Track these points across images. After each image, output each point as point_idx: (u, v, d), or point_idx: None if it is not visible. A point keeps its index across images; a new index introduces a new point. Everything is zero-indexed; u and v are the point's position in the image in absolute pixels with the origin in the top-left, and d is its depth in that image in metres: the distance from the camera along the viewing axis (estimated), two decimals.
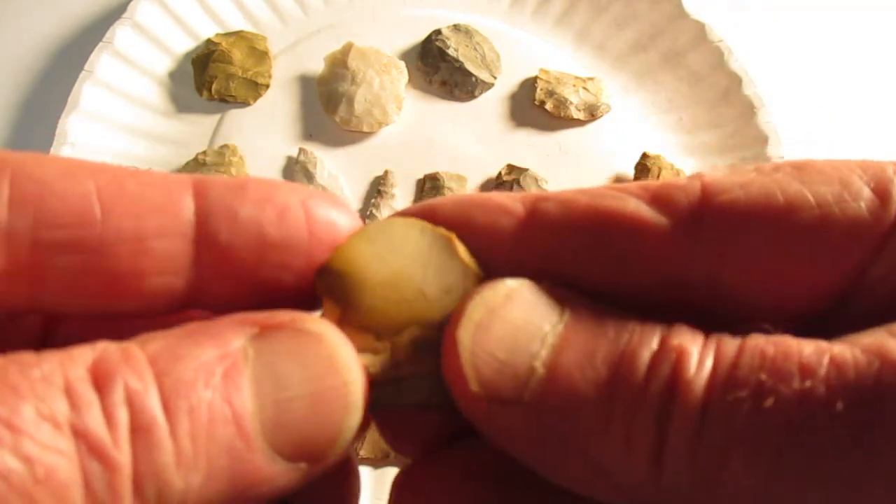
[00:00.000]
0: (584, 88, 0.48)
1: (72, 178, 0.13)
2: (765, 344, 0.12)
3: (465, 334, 0.14)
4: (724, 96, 0.48)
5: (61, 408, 0.11)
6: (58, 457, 0.11)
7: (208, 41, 0.48)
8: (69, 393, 0.11)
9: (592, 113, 0.48)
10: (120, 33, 0.46)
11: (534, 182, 0.45)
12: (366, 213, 0.45)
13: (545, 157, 0.47)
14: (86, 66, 0.45)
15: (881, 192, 0.13)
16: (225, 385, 0.12)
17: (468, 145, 0.47)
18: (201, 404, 0.12)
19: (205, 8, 0.49)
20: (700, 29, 0.49)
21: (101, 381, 0.12)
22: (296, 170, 0.45)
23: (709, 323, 0.14)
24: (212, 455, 0.12)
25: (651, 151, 0.46)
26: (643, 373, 0.12)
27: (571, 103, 0.47)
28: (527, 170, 0.45)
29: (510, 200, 0.15)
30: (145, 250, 0.14)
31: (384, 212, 0.45)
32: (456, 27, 0.49)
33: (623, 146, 0.48)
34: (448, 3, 0.51)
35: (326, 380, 0.13)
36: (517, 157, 0.46)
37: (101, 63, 0.46)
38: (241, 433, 0.12)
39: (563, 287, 0.14)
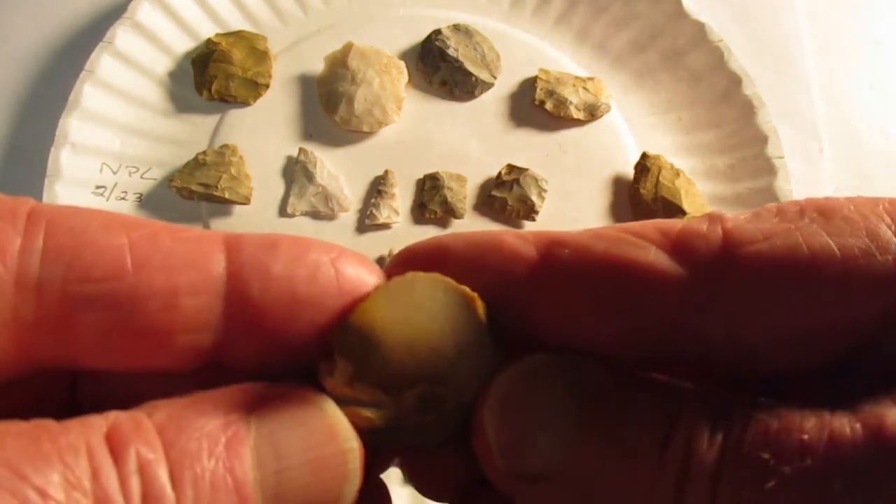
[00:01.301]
0: (584, 88, 0.48)
1: (106, 231, 0.13)
2: (769, 419, 0.12)
3: (491, 413, 0.14)
4: (723, 96, 0.48)
5: (85, 476, 0.12)
6: None
7: (208, 41, 0.48)
8: (91, 461, 0.12)
9: (592, 113, 0.48)
10: (120, 33, 0.46)
11: (534, 182, 0.45)
12: (366, 212, 0.45)
13: (545, 157, 0.47)
14: (86, 66, 0.45)
15: None
16: (228, 455, 0.13)
17: (468, 145, 0.47)
18: (205, 474, 0.12)
19: (205, 8, 0.49)
20: (700, 29, 0.49)
21: (116, 450, 0.12)
22: (296, 170, 0.45)
23: (721, 373, 0.14)
24: None
25: (651, 151, 0.46)
26: (659, 449, 0.13)
27: (571, 103, 0.47)
28: (527, 170, 0.45)
29: (523, 244, 0.15)
30: (176, 307, 0.14)
31: (384, 212, 0.45)
32: (456, 27, 0.49)
33: (623, 146, 0.48)
34: (448, 3, 0.51)
35: (325, 449, 0.14)
36: (517, 157, 0.46)
37: (101, 63, 0.46)
38: (243, 502, 0.13)
39: (586, 359, 0.14)
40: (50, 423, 0.12)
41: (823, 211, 0.13)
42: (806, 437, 0.12)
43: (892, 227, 0.13)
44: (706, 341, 0.14)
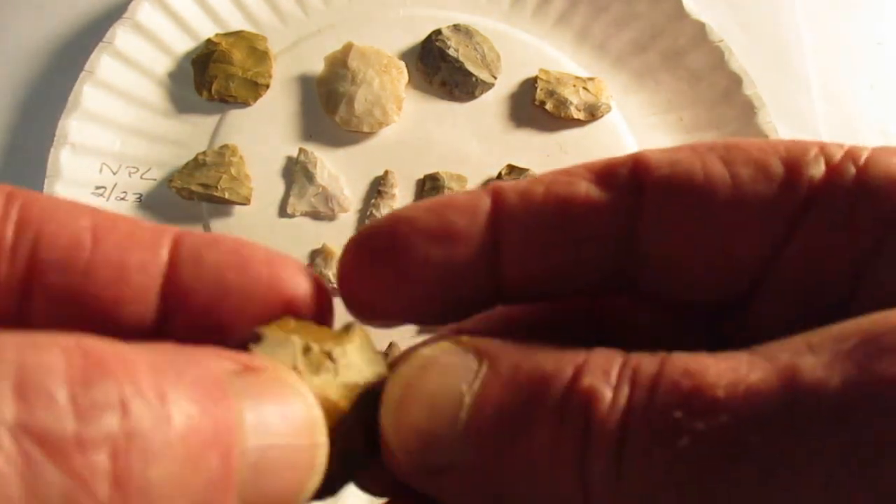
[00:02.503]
0: (584, 88, 0.48)
1: (72, 212, 0.15)
2: (680, 376, 0.12)
3: (388, 415, 0.14)
4: (724, 96, 0.48)
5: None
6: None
7: (208, 41, 0.48)
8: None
9: (592, 113, 0.48)
10: (120, 33, 0.46)
11: None
12: (366, 213, 0.45)
13: (545, 157, 0.47)
14: (86, 66, 0.45)
15: (793, 174, 0.14)
16: (217, 406, 0.12)
17: (468, 145, 0.47)
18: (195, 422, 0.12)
19: (205, 8, 0.49)
20: (700, 29, 0.49)
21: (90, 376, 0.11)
22: (296, 170, 0.45)
23: (655, 302, 0.16)
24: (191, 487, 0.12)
25: None
26: (557, 420, 0.13)
27: (571, 103, 0.47)
28: (527, 170, 0.45)
29: (476, 196, 0.16)
30: (125, 279, 0.15)
31: (384, 212, 0.45)
32: (456, 27, 0.49)
33: (623, 146, 0.48)
34: (448, 3, 0.51)
35: (303, 437, 0.13)
36: (517, 157, 0.46)
37: (101, 63, 0.46)
38: (227, 467, 0.12)
39: (481, 338, 0.15)
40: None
41: (728, 146, 0.15)
42: (720, 392, 0.12)
43: (784, 161, 0.14)
44: (634, 263, 0.15)
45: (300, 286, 0.16)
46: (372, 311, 0.16)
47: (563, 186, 0.15)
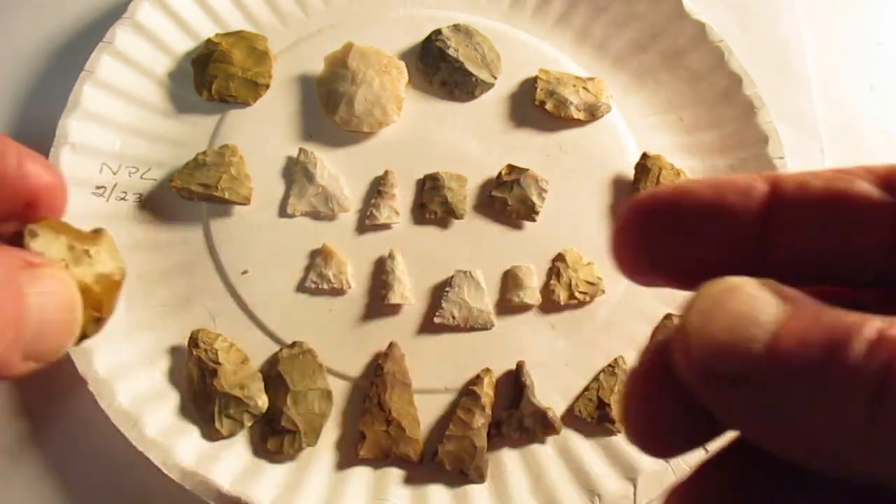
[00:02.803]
0: (584, 88, 0.48)
1: None
2: None
3: (692, 322, 0.15)
4: (724, 96, 0.48)
5: None
6: None
7: (208, 41, 0.48)
8: None
9: (592, 113, 0.48)
10: (120, 33, 0.46)
11: (534, 182, 0.45)
12: (366, 213, 0.45)
13: (545, 157, 0.47)
14: (86, 66, 0.45)
15: None
16: (14, 294, 0.18)
17: (468, 145, 0.47)
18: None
19: (205, 8, 0.49)
20: (700, 29, 0.49)
21: None
22: (296, 170, 0.45)
23: None
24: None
25: (651, 151, 0.46)
26: (858, 357, 0.13)
27: (571, 103, 0.47)
28: (527, 170, 0.45)
29: (755, 181, 0.17)
30: None
31: (384, 212, 0.45)
32: (456, 27, 0.49)
33: (623, 146, 0.48)
34: (448, 3, 0.51)
35: (68, 314, 0.19)
36: (517, 157, 0.46)
37: (101, 63, 0.46)
38: (17, 336, 0.18)
39: (784, 285, 0.16)
40: None
41: None
42: None
43: None
44: None
45: (42, 176, 0.20)
46: (639, 271, 0.18)
47: (843, 183, 0.16)
